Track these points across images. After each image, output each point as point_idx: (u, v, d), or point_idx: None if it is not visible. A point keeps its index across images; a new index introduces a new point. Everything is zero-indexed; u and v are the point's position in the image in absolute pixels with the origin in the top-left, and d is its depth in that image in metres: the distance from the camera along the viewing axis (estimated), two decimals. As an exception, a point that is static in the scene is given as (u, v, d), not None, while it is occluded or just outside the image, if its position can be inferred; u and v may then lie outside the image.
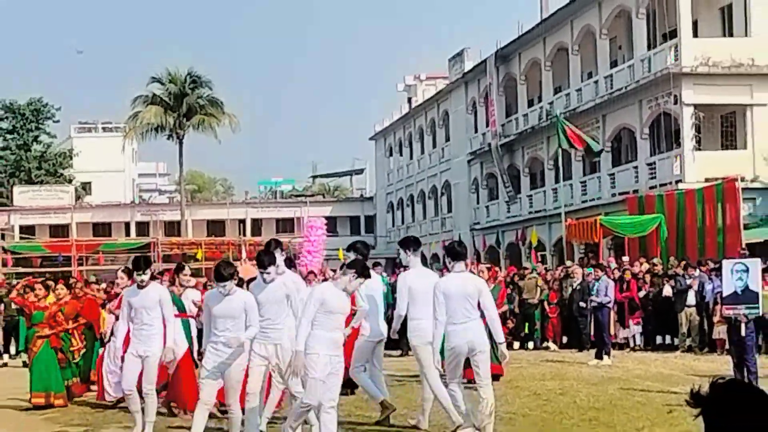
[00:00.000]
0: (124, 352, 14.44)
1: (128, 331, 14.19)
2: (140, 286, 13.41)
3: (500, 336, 12.95)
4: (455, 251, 13.34)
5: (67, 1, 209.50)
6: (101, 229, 77.96)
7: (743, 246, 29.80)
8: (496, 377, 18.86)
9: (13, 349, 29.15)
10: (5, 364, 27.94)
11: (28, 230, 75.74)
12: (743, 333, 16.78)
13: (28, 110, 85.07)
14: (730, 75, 41.13)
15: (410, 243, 14.53)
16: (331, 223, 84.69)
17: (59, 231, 74.41)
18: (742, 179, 35.28)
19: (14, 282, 37.51)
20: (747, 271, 16.77)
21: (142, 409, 13.45)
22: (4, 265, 54.89)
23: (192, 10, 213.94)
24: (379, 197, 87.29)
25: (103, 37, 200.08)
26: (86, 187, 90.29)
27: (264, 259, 12.62)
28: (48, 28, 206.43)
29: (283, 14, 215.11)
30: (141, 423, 13.31)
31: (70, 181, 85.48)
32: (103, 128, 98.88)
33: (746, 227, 33.66)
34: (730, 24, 43.11)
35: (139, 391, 13.42)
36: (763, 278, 19.05)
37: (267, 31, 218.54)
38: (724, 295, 17.14)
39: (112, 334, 17.77)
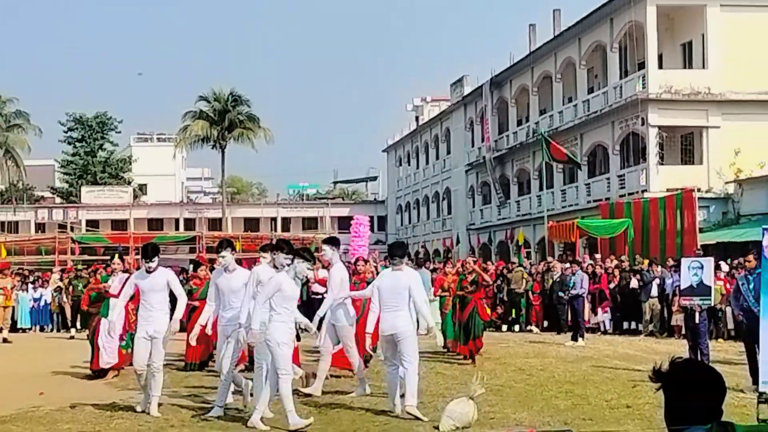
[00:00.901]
0: (132, 329, 14.46)
1: (126, 307, 14.23)
2: (148, 271, 12.71)
3: (430, 321, 12.86)
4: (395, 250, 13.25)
5: (130, 30, 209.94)
6: (155, 224, 77.99)
7: (698, 247, 29.70)
8: (478, 350, 18.95)
9: (79, 324, 29.25)
10: (72, 337, 28.01)
11: (93, 224, 75.86)
12: (697, 320, 16.77)
13: (95, 122, 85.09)
14: (689, 101, 41.05)
15: (336, 241, 14.77)
16: (349, 222, 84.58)
17: (119, 225, 74.46)
18: (698, 190, 35.27)
19: (80, 267, 37.65)
20: (702, 267, 16.77)
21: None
22: (72, 253, 55.01)
23: (235, 38, 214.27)
24: (390, 201, 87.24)
25: (159, 62, 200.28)
26: (142, 188, 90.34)
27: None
28: (113, 52, 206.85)
29: (314, 49, 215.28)
30: (146, 398, 12.62)
31: (129, 183, 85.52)
32: (158, 138, 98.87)
33: (701, 231, 33.59)
34: (690, 58, 43.09)
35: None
36: (714, 275, 19.02)
37: (300, 61, 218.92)
38: (682, 288, 17.10)
39: None
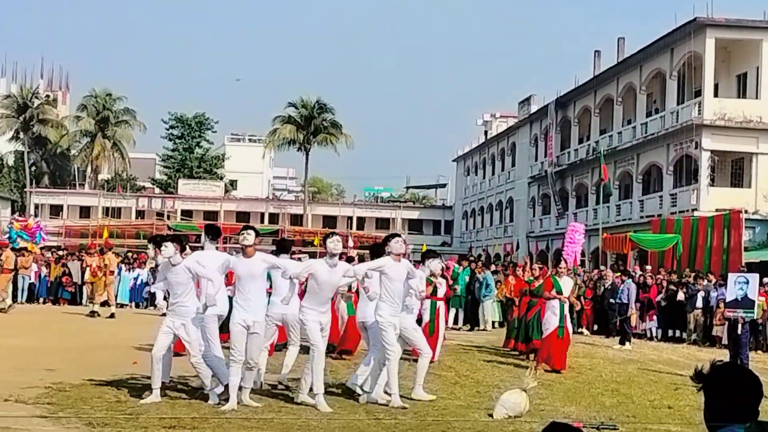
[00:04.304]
0: None
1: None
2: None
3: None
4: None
5: (229, 40, 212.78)
6: (242, 216, 78.59)
7: (743, 264, 29.21)
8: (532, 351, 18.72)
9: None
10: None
11: (187, 214, 76.91)
12: (740, 331, 16.55)
13: (194, 122, 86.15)
14: (741, 128, 40.53)
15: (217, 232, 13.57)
16: (418, 225, 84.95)
17: (211, 216, 75.17)
18: (746, 211, 34.72)
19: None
20: (747, 283, 16.58)
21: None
22: (168, 239, 55.76)
23: (324, 53, 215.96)
24: (457, 206, 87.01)
25: (254, 69, 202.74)
26: (233, 183, 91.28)
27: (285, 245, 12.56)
28: (214, 59, 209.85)
29: (395, 66, 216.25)
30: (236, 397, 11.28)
31: (221, 178, 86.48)
32: (249, 139, 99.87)
33: (746, 249, 33.04)
34: (744, 88, 42.50)
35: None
36: (759, 291, 18.72)
37: (382, 76, 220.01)
38: (727, 300, 16.93)
39: None
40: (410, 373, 12.92)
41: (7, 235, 31.56)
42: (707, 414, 3.82)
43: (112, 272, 28.44)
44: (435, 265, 12.93)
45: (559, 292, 16.75)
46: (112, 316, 27.06)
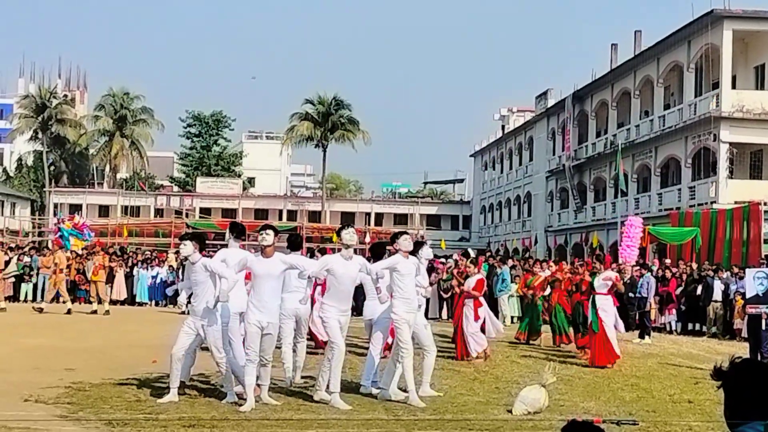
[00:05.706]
0: None
1: None
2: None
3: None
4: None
5: (245, 38, 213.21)
6: (261, 213, 78.70)
7: (762, 257, 29.04)
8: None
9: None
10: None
11: (205, 211, 77.00)
12: (764, 326, 16.48)
13: (211, 120, 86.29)
14: (759, 120, 40.32)
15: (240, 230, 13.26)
16: (436, 220, 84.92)
17: (229, 213, 75.33)
18: (765, 203, 34.50)
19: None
20: (767, 277, 16.44)
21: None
22: (187, 237, 55.85)
23: (340, 50, 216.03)
24: (475, 201, 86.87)
25: (270, 67, 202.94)
26: (251, 181, 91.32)
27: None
28: (230, 58, 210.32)
29: (411, 61, 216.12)
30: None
31: (239, 176, 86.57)
32: (267, 136, 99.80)
33: (766, 242, 32.81)
34: (762, 80, 42.27)
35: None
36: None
37: (399, 71, 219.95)
38: (748, 296, 16.82)
39: None
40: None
41: (59, 234, 31.92)
42: (727, 411, 3.79)
43: (62, 270, 28.46)
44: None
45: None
46: (40, 310, 26.95)
